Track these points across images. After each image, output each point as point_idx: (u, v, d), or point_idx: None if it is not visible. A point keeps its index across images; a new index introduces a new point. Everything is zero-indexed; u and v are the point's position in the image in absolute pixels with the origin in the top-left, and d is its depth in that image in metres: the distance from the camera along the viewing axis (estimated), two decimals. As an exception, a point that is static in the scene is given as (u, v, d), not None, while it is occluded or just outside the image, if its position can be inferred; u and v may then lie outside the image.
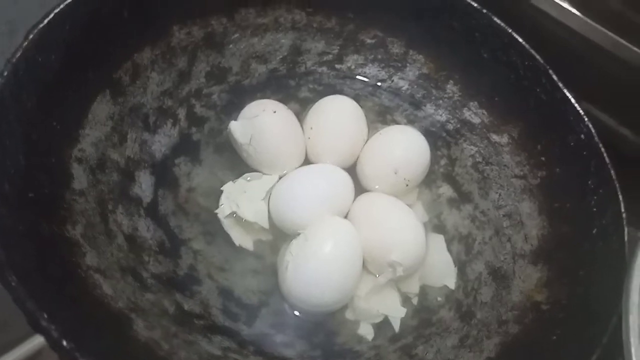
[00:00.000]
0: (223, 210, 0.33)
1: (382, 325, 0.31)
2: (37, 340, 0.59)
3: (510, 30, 0.36)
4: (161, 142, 0.34)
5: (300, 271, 0.29)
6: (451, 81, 0.39)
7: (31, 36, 0.26)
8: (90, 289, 0.24)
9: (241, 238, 0.32)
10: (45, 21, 0.27)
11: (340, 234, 0.31)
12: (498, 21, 0.36)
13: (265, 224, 0.33)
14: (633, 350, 0.23)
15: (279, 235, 0.33)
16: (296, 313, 0.30)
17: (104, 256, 0.26)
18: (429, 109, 0.40)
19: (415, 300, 0.32)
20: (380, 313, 0.31)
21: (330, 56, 0.40)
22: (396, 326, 0.31)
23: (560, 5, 0.36)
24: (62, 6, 0.28)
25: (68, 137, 0.28)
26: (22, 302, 0.19)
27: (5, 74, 0.25)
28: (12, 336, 0.58)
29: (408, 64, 0.40)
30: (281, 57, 0.39)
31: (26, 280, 0.20)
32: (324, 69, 0.40)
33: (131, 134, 0.32)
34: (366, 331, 0.30)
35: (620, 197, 0.31)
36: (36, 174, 0.25)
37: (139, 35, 0.33)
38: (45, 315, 0.19)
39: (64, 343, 0.19)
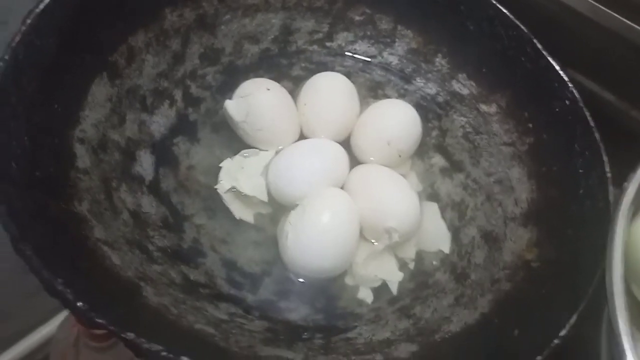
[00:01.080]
0: (222, 185, 0.34)
1: (381, 289, 0.32)
2: (37, 336, 0.61)
3: (494, 1, 0.37)
4: (159, 123, 0.34)
5: (300, 240, 0.30)
6: (439, 54, 0.40)
7: (29, 21, 0.27)
8: (100, 259, 0.25)
9: (241, 212, 0.33)
10: (41, 6, 0.28)
11: (337, 204, 0.32)
12: (483, -7, 0.37)
13: (264, 198, 0.34)
14: (616, 299, 0.25)
15: (278, 208, 0.34)
16: (298, 280, 0.31)
17: (110, 230, 0.27)
18: (419, 82, 0.41)
19: (411, 265, 0.33)
20: (379, 278, 0.32)
21: (321, 34, 0.41)
22: (394, 289, 0.32)
23: (542, -25, 0.37)
24: (58, -9, 0.28)
25: (69, 119, 0.29)
26: (38, 271, 0.20)
27: (6, 57, 0.26)
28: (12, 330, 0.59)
29: (397, 39, 0.41)
30: (272, 37, 0.40)
31: (40, 251, 0.21)
32: (315, 47, 0.41)
33: (130, 115, 0.33)
34: (365, 295, 0.32)
35: (605, 158, 0.32)
36: (41, 154, 0.26)
37: (132, 18, 0.33)
38: (60, 280, 0.20)
39: (79, 304, 0.20)
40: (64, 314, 0.58)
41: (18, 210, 0.22)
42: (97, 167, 0.29)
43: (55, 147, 0.27)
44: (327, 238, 0.31)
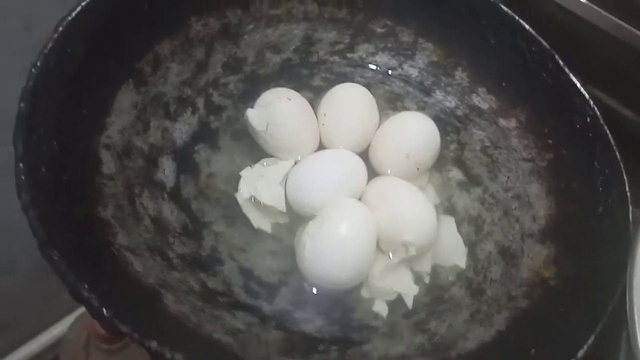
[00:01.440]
0: (242, 194, 0.34)
1: (396, 303, 0.32)
2: (47, 337, 0.62)
3: (516, 17, 0.37)
4: (182, 130, 0.35)
5: (318, 251, 0.31)
6: (460, 68, 0.40)
7: (60, 28, 0.28)
8: (123, 265, 0.25)
9: (259, 221, 0.34)
10: (73, 14, 0.28)
11: (355, 215, 0.32)
12: (504, 8, 0.37)
13: (282, 207, 0.34)
14: (637, 318, 0.25)
15: (296, 218, 0.34)
16: (314, 291, 0.31)
17: (133, 236, 0.28)
18: (439, 95, 0.41)
19: (427, 279, 0.33)
20: (394, 291, 0.32)
21: (342, 45, 0.41)
22: (409, 303, 0.32)
23: (566, -8, 0.37)
24: (87, 1, 0.29)
25: (96, 125, 0.29)
26: (65, 275, 0.21)
27: (38, 64, 0.26)
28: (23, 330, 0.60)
29: (417, 52, 0.41)
30: (294, 47, 0.41)
31: (67, 256, 0.21)
32: (336, 58, 0.41)
33: (153, 121, 0.33)
34: (381, 308, 0.32)
35: (625, 176, 0.32)
36: (69, 159, 0.27)
37: (158, 26, 0.34)
38: (86, 286, 0.21)
39: (104, 311, 0.20)
40: (74, 315, 0.59)
41: (47, 215, 0.23)
42: (122, 173, 0.30)
43: (82, 152, 0.28)
44: (344, 249, 0.31)
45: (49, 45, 0.27)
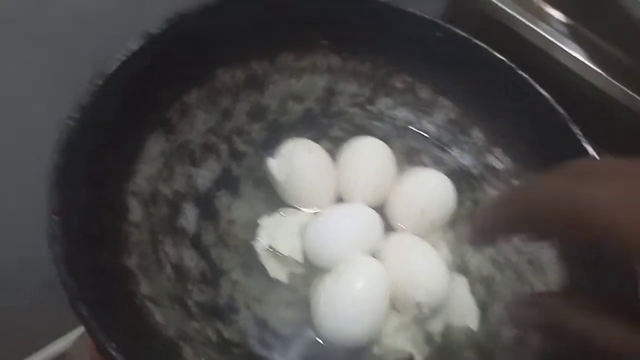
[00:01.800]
0: (260, 243, 0.35)
1: (405, 361, 0.33)
2: (51, 350, 0.62)
3: (532, 82, 0.38)
4: (205, 176, 0.36)
5: (332, 306, 0.31)
6: (477, 127, 0.41)
7: (100, 82, 0.29)
8: (145, 317, 0.26)
9: (276, 271, 0.34)
10: (113, 67, 0.30)
11: (370, 273, 0.33)
12: (521, 73, 0.39)
13: (299, 258, 0.35)
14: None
15: (312, 269, 0.35)
16: (327, 345, 0.32)
17: (155, 285, 0.29)
18: (455, 152, 0.42)
19: (438, 338, 0.34)
20: (406, 350, 0.32)
21: (362, 98, 0.43)
22: (420, 362, 0.33)
23: (584, 63, 0.38)
24: (127, 55, 0.30)
25: (125, 173, 0.30)
26: (94, 332, 0.21)
27: (77, 116, 0.27)
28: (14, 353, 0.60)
29: (436, 109, 0.42)
30: (316, 97, 0.42)
31: (96, 312, 0.22)
32: (356, 110, 0.42)
33: (178, 168, 0.34)
34: (390, 366, 0.32)
35: None
36: (99, 208, 0.28)
37: (188, 77, 0.35)
38: (114, 345, 0.21)
39: (130, 370, 0.21)
40: (79, 331, 0.59)
41: (77, 267, 0.23)
42: (147, 220, 0.31)
43: (110, 201, 0.29)
44: (358, 305, 0.31)
45: (87, 99, 0.28)
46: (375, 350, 0.32)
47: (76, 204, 0.26)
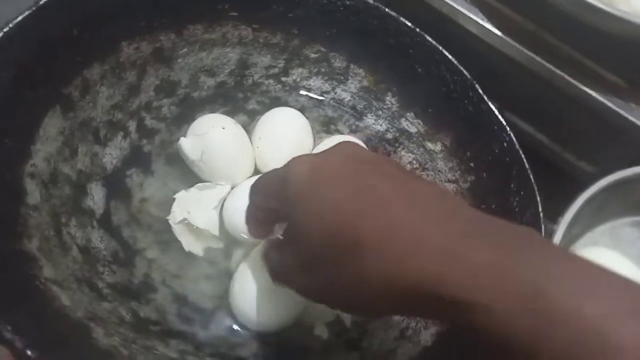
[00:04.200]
0: (174, 217, 0.34)
1: (333, 324, 0.33)
2: None
3: (441, 48, 0.39)
4: (112, 155, 0.35)
5: (247, 295, 0.31)
6: (390, 93, 0.42)
7: (-18, 55, 0.27)
8: (49, 300, 0.25)
9: (191, 245, 0.34)
10: (-4, 40, 0.28)
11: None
12: (430, 39, 0.40)
13: (216, 231, 0.34)
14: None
15: (231, 242, 0.34)
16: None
17: (60, 268, 0.27)
18: (370, 119, 0.43)
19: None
20: (332, 312, 0.33)
21: (276, 70, 0.42)
22: (347, 322, 0.33)
23: (484, 26, 0.40)
24: (10, 26, 0.28)
25: (21, 154, 0.29)
26: (-14, 316, 0.20)
27: (-43, 92, 0.25)
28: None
29: (350, 77, 0.43)
30: (229, 70, 0.41)
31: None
32: (271, 81, 0.42)
33: (82, 147, 0.33)
34: (321, 331, 0.33)
35: (538, 198, 0.35)
36: (-10, 191, 0.26)
37: (88, 51, 0.33)
38: (9, 328, 0.20)
39: (29, 353, 0.20)
40: None
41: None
42: (47, 203, 0.29)
43: (6, 183, 0.27)
44: (274, 293, 0.30)
45: (-31, 73, 0.26)
46: (304, 317, 0.33)
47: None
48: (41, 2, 0.30)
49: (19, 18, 0.29)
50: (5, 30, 0.28)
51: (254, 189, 0.28)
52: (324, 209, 0.22)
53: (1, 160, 0.27)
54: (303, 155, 0.25)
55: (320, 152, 0.25)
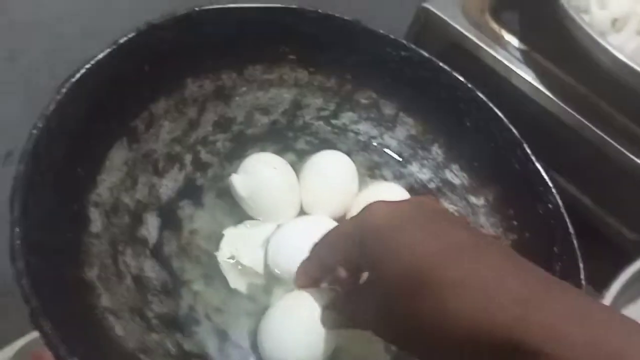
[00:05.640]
0: (223, 253, 0.35)
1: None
2: None
3: (491, 105, 0.40)
4: (168, 186, 0.36)
5: (276, 333, 0.31)
6: (436, 144, 0.43)
7: (63, 90, 0.29)
8: (107, 330, 0.26)
9: (236, 281, 0.35)
10: (77, 75, 0.29)
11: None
12: (481, 95, 0.40)
13: (260, 270, 0.35)
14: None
15: (272, 281, 0.35)
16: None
17: (115, 297, 0.28)
18: (414, 167, 0.43)
19: (394, 347, 0.35)
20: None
21: (327, 112, 0.43)
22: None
23: (536, 87, 0.40)
24: (92, 63, 0.30)
25: (89, 183, 0.30)
26: (56, 348, 0.21)
27: (40, 125, 0.27)
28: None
29: (398, 125, 0.44)
30: (282, 110, 0.42)
31: (58, 327, 0.22)
32: (321, 123, 0.43)
33: (142, 178, 0.34)
34: (352, 378, 0.33)
35: (581, 265, 0.35)
36: (61, 220, 0.27)
37: (156, 87, 0.35)
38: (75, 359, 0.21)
39: (91, 386, 0.21)
40: (20, 343, 0.57)
41: (40, 281, 0.23)
42: (108, 231, 0.30)
43: (73, 212, 0.28)
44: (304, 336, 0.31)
45: (51, 107, 0.28)
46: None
47: (38, 216, 0.26)
48: (120, 41, 0.32)
49: (100, 56, 0.31)
50: (87, 67, 0.30)
51: (321, 245, 0.29)
52: (406, 249, 0.22)
53: (72, 189, 0.29)
54: (380, 201, 0.26)
55: (397, 201, 0.26)
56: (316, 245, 0.29)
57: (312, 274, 0.30)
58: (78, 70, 0.30)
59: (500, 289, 0.20)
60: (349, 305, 0.28)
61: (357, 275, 0.30)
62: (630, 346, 0.18)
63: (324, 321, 0.30)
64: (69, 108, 0.29)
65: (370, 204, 0.26)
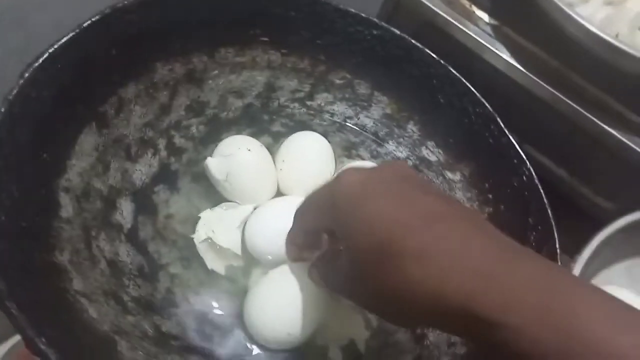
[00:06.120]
0: (199, 235, 0.35)
1: (348, 348, 0.34)
2: None
3: (464, 80, 0.40)
4: (142, 171, 0.36)
5: (260, 310, 0.31)
6: (411, 122, 0.43)
7: (26, 74, 0.28)
8: (79, 313, 0.26)
9: (214, 263, 0.35)
10: (40, 60, 0.29)
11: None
12: (454, 71, 0.40)
13: (238, 251, 0.35)
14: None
15: (251, 261, 0.35)
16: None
17: (88, 281, 0.28)
18: (391, 145, 0.43)
19: (374, 323, 0.35)
20: (348, 336, 0.34)
21: (302, 94, 0.43)
22: (362, 348, 0.34)
23: (508, 62, 0.40)
24: (55, 47, 0.30)
25: (57, 168, 0.30)
26: (23, 329, 0.21)
27: (2, 110, 0.27)
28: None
29: (373, 104, 0.44)
30: (256, 93, 0.42)
31: (25, 309, 0.22)
32: (296, 105, 0.43)
33: (114, 163, 0.34)
34: (335, 355, 0.33)
35: (556, 234, 0.35)
36: (28, 204, 0.27)
37: (124, 71, 0.35)
38: (44, 340, 0.21)
39: (61, 365, 0.21)
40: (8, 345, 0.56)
41: (6, 264, 0.23)
42: (79, 216, 0.30)
43: (41, 197, 0.28)
44: (290, 311, 0.31)
45: (14, 91, 0.27)
46: (318, 340, 0.33)
47: (3, 200, 0.25)
48: (84, 25, 0.31)
49: (63, 39, 0.30)
50: (50, 51, 0.29)
51: (299, 212, 0.29)
52: (372, 219, 0.23)
53: (38, 174, 0.28)
54: (352, 168, 0.26)
55: (369, 168, 0.26)
56: (296, 212, 0.29)
57: (298, 241, 0.30)
58: (42, 55, 0.29)
59: (462, 260, 0.21)
60: (327, 269, 0.28)
61: (337, 241, 0.30)
62: (581, 307, 0.18)
63: (309, 286, 0.30)
64: (32, 92, 0.28)
65: (342, 171, 0.26)
